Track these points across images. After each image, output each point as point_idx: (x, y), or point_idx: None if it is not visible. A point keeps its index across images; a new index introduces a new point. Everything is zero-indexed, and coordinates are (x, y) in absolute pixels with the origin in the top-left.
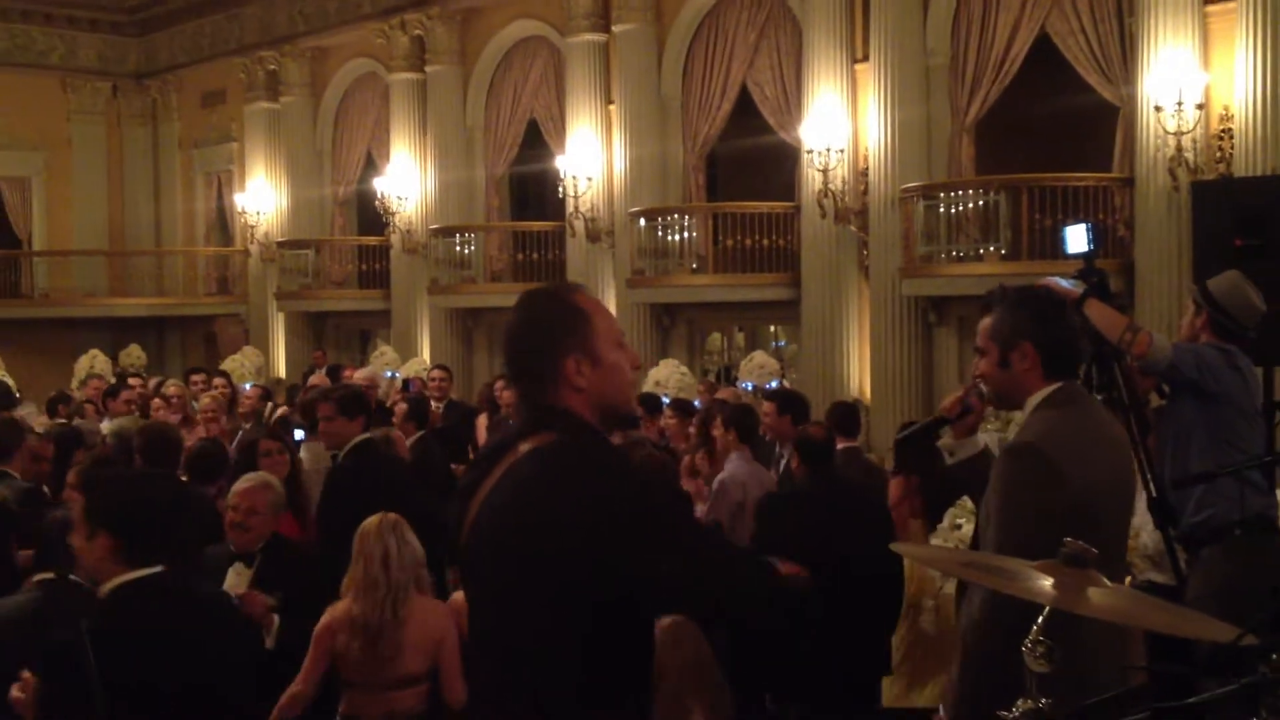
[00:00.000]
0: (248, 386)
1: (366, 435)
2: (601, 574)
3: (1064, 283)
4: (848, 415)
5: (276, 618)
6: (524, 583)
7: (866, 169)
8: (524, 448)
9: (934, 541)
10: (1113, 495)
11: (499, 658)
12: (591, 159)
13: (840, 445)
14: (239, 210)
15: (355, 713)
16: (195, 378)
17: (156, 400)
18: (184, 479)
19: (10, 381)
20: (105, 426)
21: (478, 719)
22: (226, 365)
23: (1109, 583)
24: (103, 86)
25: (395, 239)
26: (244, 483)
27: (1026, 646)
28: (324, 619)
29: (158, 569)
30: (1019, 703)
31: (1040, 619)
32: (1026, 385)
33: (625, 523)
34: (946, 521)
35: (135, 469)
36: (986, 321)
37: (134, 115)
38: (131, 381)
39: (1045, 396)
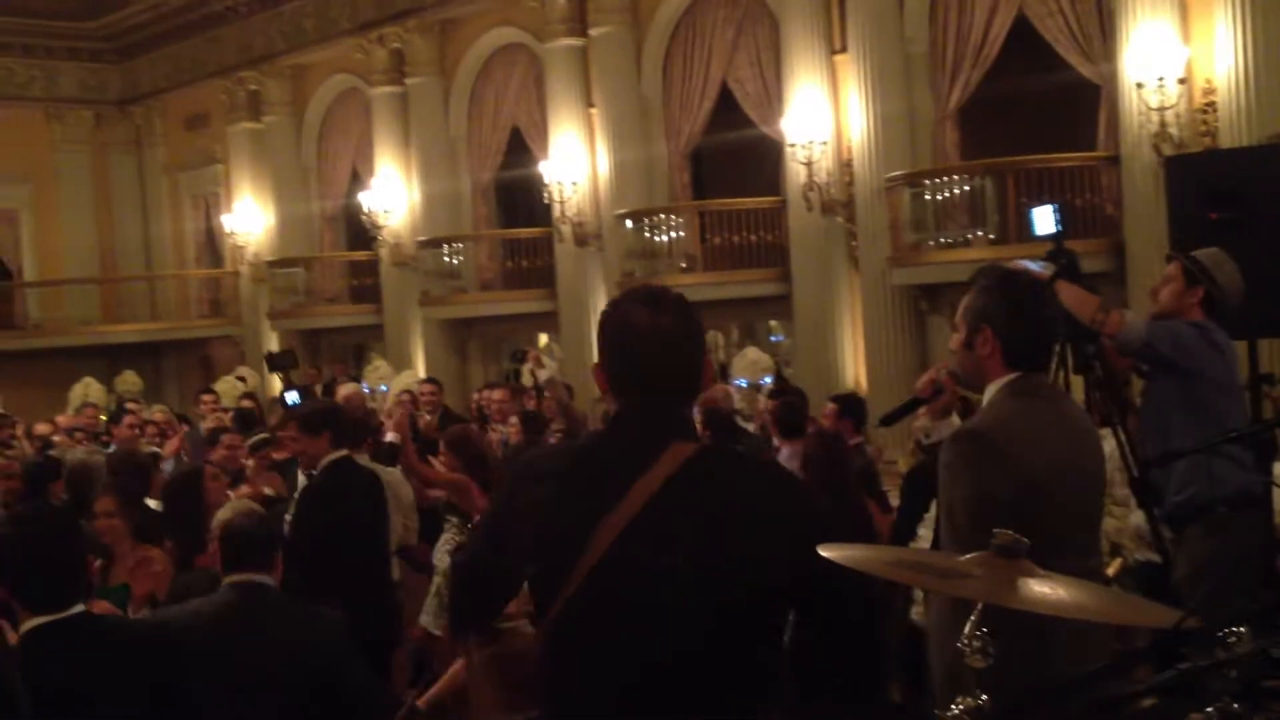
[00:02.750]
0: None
1: (344, 452)
2: (801, 575)
3: (1033, 265)
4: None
5: None
6: (732, 587)
7: (851, 160)
8: (670, 457)
9: (920, 531)
10: (1068, 485)
11: (673, 670)
12: (576, 163)
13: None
14: (227, 231)
15: None
16: (206, 398)
17: (137, 426)
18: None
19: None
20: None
21: None
22: (218, 387)
23: (1043, 572)
24: (86, 115)
25: (384, 253)
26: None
27: (963, 643)
28: None
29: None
30: (958, 700)
31: (974, 615)
32: (986, 370)
33: (819, 529)
34: (933, 510)
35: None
36: (964, 299)
37: (118, 142)
38: (130, 408)
39: (1004, 384)
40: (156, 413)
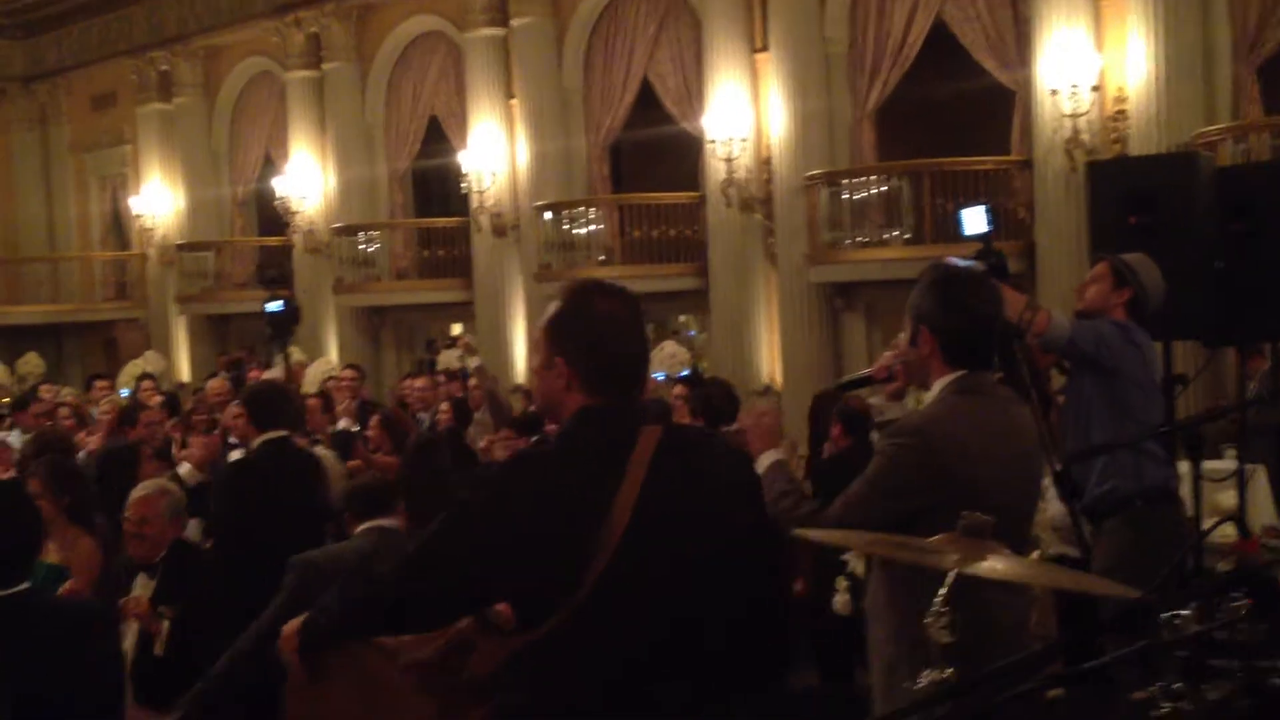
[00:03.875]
0: (124, 393)
1: (283, 433)
2: (756, 532)
3: (960, 264)
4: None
5: (166, 624)
6: (734, 553)
7: (770, 157)
8: (653, 438)
9: None
10: (1006, 486)
11: (700, 635)
12: (494, 153)
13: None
14: (135, 214)
15: None
16: (99, 383)
17: (60, 409)
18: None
19: None
20: (14, 439)
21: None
22: (128, 371)
23: (1010, 552)
24: None
25: (298, 239)
26: (138, 491)
27: (930, 618)
28: None
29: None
30: (925, 673)
31: (943, 589)
32: (930, 368)
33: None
34: None
35: None
36: (910, 297)
37: (22, 119)
38: (43, 392)
39: (948, 382)
40: (68, 396)
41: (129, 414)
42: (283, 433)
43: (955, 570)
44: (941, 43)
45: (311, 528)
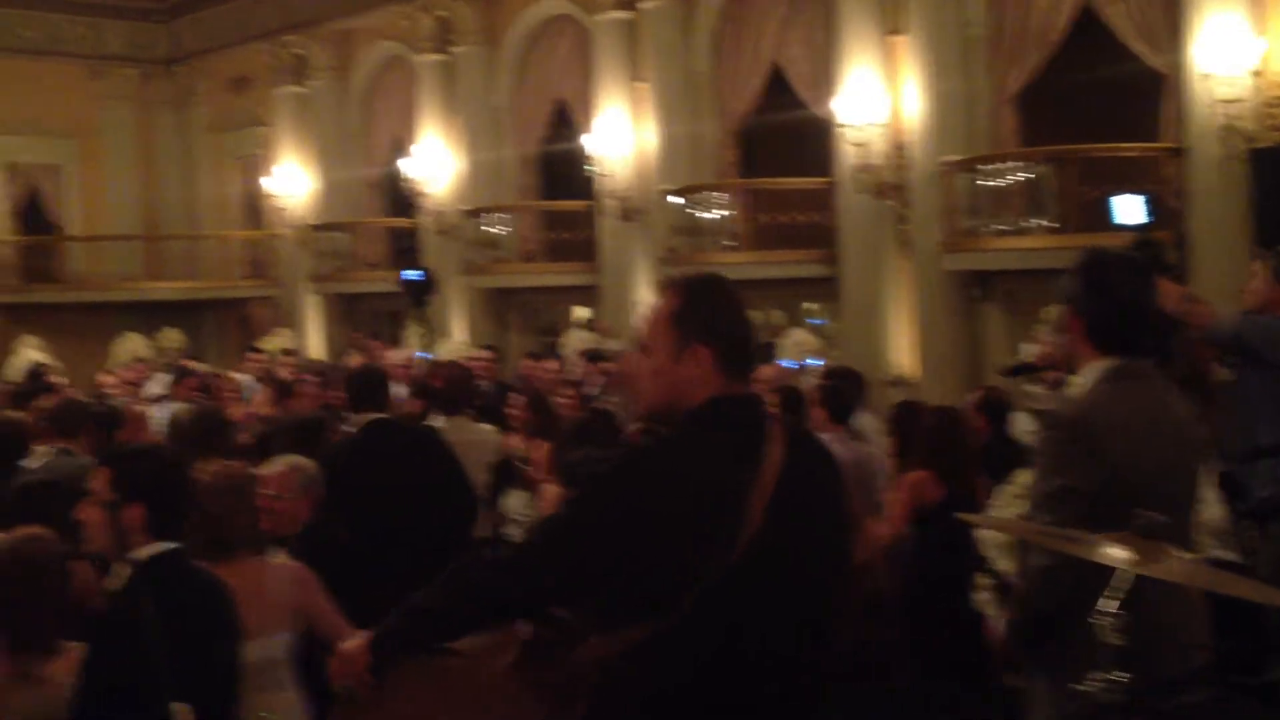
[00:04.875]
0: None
1: (382, 414)
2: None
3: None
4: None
5: None
6: (844, 555)
7: (904, 142)
8: (777, 432)
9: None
10: (1164, 478)
11: (812, 635)
12: (622, 137)
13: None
14: (269, 194)
15: None
16: (253, 356)
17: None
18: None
19: (51, 362)
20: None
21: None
22: (268, 346)
23: (1182, 554)
24: (131, 73)
25: (427, 221)
26: (274, 466)
27: (1102, 619)
28: None
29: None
30: (1095, 675)
31: (1117, 589)
32: (1078, 353)
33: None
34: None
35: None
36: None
37: (163, 101)
38: (192, 367)
39: (1101, 369)
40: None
41: (286, 386)
42: (381, 414)
43: (1131, 570)
44: (1088, 24)
45: (429, 502)
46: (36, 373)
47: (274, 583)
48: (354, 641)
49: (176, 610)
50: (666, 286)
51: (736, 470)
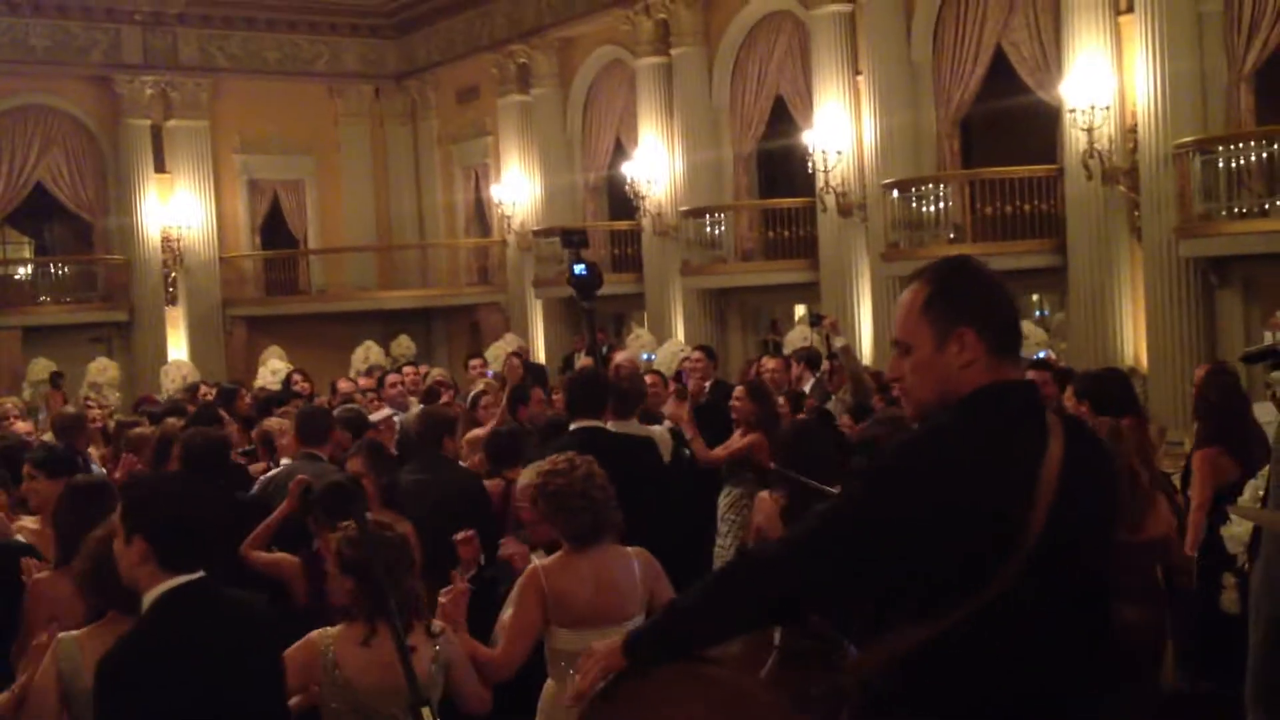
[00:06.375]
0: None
1: (596, 422)
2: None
3: None
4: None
5: None
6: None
7: (1135, 125)
8: (1054, 426)
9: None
10: None
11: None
12: (840, 132)
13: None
14: (495, 202)
15: None
16: (475, 363)
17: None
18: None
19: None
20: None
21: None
22: (487, 353)
23: None
24: (365, 89)
25: (646, 222)
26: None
27: None
28: None
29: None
30: None
31: None
32: None
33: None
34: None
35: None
36: None
37: (395, 115)
38: (406, 370)
39: None
40: (437, 375)
41: (522, 392)
42: (596, 422)
43: None
44: None
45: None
46: (289, 380)
47: (630, 570)
48: (607, 642)
49: (199, 646)
50: (912, 278)
51: (1021, 463)
